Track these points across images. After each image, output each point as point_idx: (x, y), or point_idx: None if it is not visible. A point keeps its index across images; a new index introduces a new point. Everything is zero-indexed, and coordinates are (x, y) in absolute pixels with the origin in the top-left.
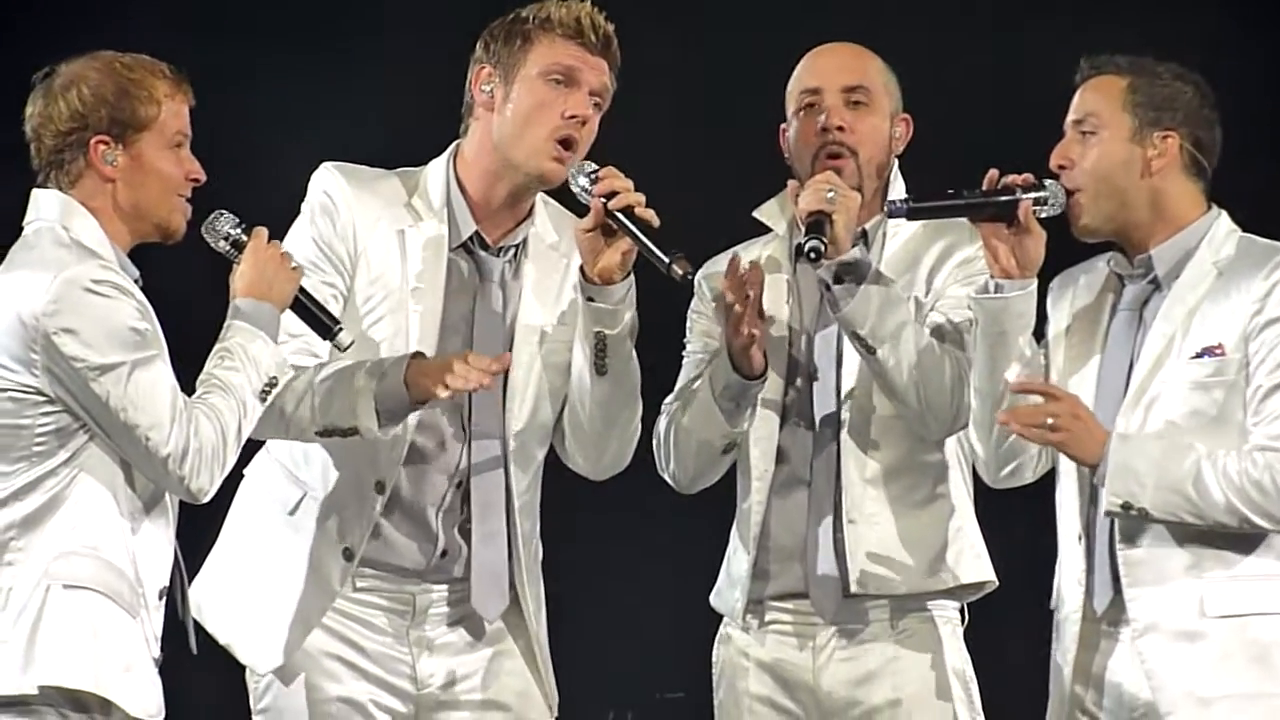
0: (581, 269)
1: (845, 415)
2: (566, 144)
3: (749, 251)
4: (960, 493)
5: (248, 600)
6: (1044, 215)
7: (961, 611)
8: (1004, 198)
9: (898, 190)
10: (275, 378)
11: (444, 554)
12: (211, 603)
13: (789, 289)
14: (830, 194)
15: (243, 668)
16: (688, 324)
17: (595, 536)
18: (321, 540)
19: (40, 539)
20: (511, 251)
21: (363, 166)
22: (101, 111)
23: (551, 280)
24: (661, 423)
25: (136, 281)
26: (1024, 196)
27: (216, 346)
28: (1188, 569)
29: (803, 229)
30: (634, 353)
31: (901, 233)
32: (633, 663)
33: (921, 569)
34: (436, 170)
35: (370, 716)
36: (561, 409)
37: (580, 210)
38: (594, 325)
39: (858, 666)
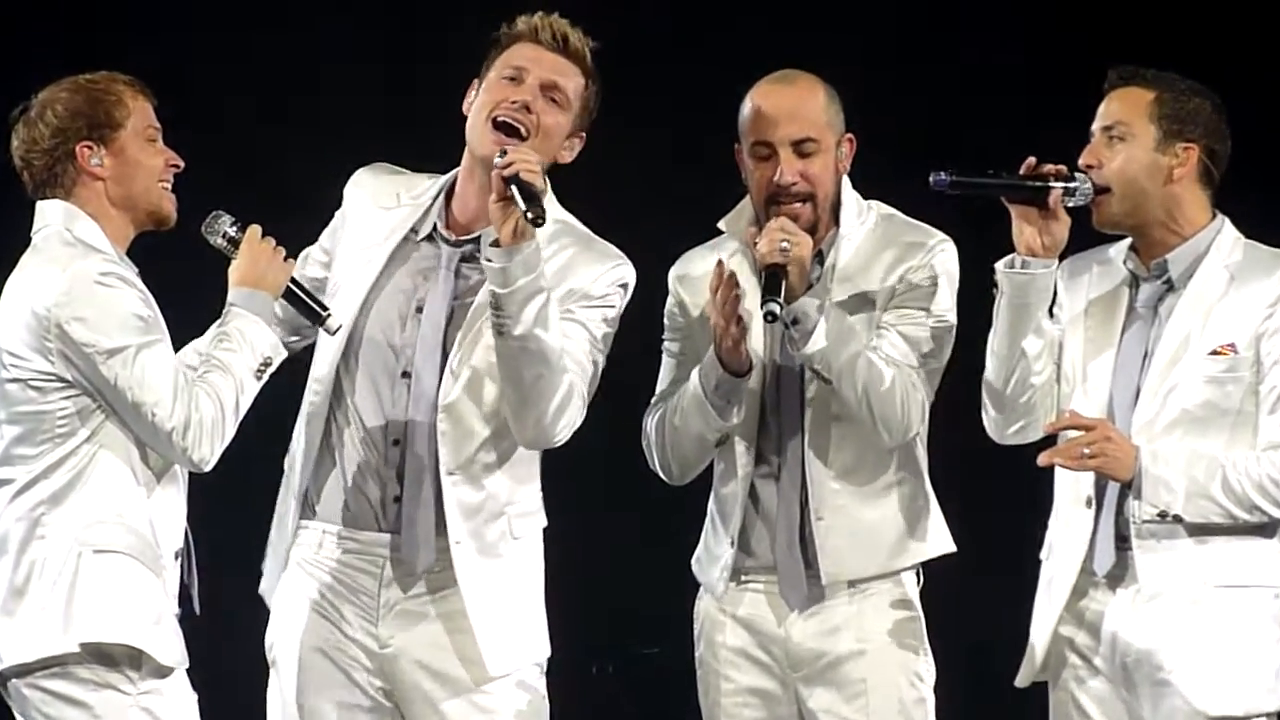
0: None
1: (809, 415)
2: (510, 130)
3: (717, 252)
4: (919, 471)
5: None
6: (1070, 205)
7: (917, 572)
8: (1038, 184)
9: (850, 202)
10: (270, 358)
11: (393, 515)
12: None
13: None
14: (784, 244)
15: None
16: (665, 321)
17: (579, 505)
18: (288, 495)
19: (68, 512)
20: (470, 246)
21: (403, 169)
22: (79, 121)
23: None
24: (650, 421)
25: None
26: (1055, 185)
27: (216, 330)
28: (1194, 543)
29: (760, 278)
30: (548, 322)
31: (853, 243)
32: (614, 620)
33: (890, 550)
34: (449, 174)
35: (345, 672)
36: None
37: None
38: (489, 284)
39: (825, 621)
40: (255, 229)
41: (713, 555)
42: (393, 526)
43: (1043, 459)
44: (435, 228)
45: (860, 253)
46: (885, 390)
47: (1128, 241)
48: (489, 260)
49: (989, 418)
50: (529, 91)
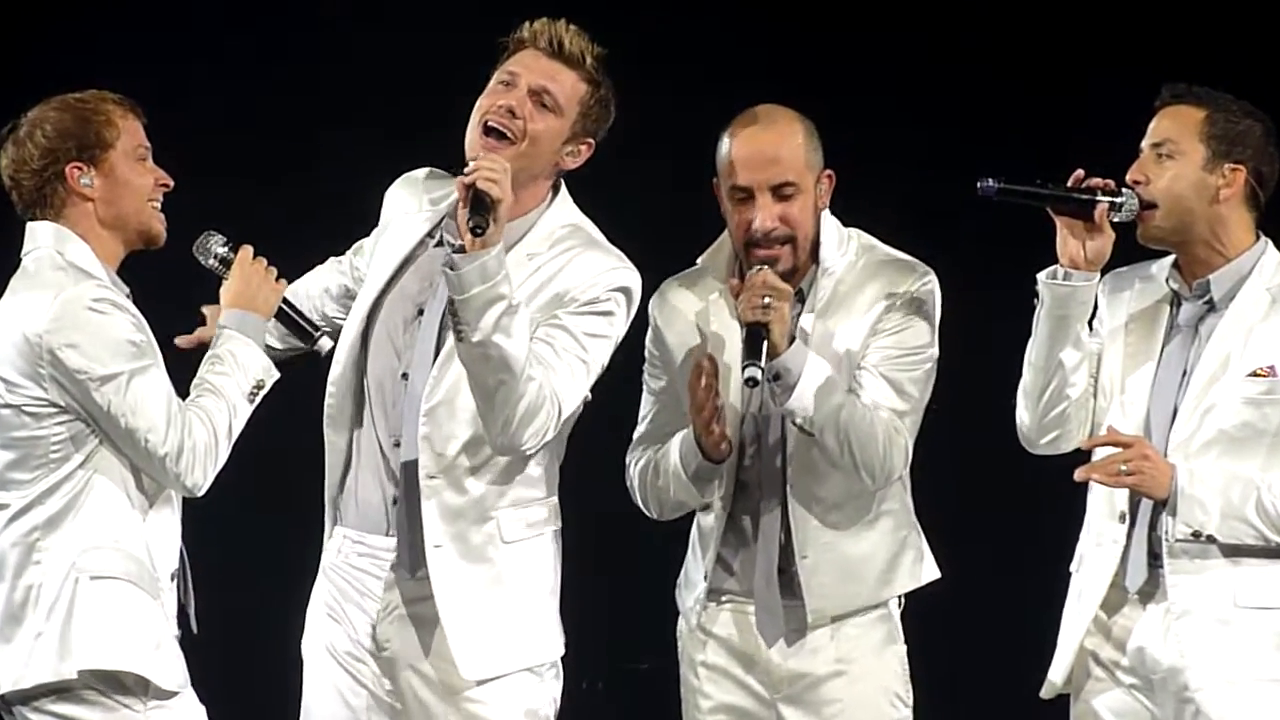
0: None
1: (789, 457)
2: (498, 135)
3: (699, 283)
4: (904, 501)
5: None
6: (1115, 220)
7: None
8: (1084, 196)
9: (829, 237)
10: (262, 380)
11: (393, 518)
12: None
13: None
14: (766, 301)
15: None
16: (645, 353)
17: (570, 519)
18: (327, 505)
19: (64, 537)
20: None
21: (444, 174)
22: (69, 142)
23: None
24: (633, 468)
25: (128, 296)
26: (1102, 199)
27: (208, 353)
28: (1226, 563)
29: (743, 332)
30: (510, 330)
31: (833, 278)
32: (605, 636)
33: (876, 583)
34: None
35: (354, 675)
36: None
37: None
38: (447, 289)
39: (804, 642)
40: (247, 249)
41: (690, 582)
42: (393, 530)
43: (1079, 474)
44: (447, 235)
45: (841, 289)
46: (867, 438)
47: (1171, 258)
48: (447, 267)
49: (1022, 428)
50: (516, 96)
